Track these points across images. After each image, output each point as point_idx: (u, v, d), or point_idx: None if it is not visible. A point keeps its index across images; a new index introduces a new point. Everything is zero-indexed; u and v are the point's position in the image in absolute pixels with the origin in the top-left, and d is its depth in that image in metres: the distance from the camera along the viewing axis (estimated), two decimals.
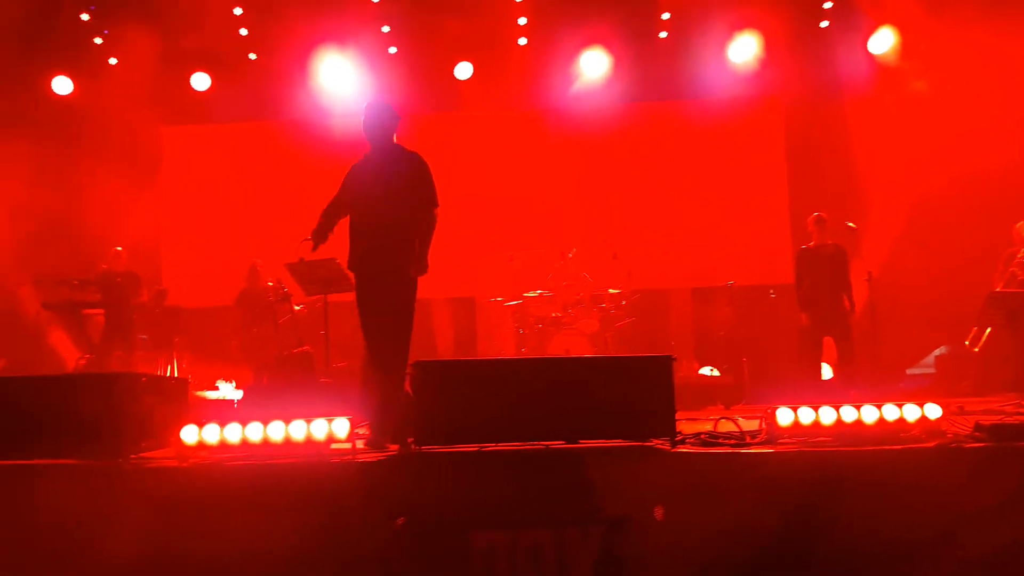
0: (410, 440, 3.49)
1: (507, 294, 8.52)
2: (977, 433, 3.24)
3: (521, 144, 10.09)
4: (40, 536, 3.07)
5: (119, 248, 8.10)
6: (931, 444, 3.14)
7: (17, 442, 3.36)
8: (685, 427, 3.57)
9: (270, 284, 7.24)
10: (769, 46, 9.31)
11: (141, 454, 3.43)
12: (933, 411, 3.29)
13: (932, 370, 8.14)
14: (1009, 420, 3.44)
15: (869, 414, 3.27)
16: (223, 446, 3.24)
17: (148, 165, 9.91)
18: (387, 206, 4.47)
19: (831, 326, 6.93)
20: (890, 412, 3.28)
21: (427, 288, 9.92)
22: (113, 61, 9.43)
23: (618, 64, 9.65)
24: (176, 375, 7.78)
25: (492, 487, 3.06)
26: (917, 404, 3.31)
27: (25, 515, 3.10)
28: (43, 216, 8.87)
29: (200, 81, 9.61)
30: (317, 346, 6.80)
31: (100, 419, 3.38)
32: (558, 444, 3.23)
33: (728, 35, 9.35)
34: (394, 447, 3.68)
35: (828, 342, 7.12)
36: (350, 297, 5.18)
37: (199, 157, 10.23)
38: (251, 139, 10.18)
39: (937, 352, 8.20)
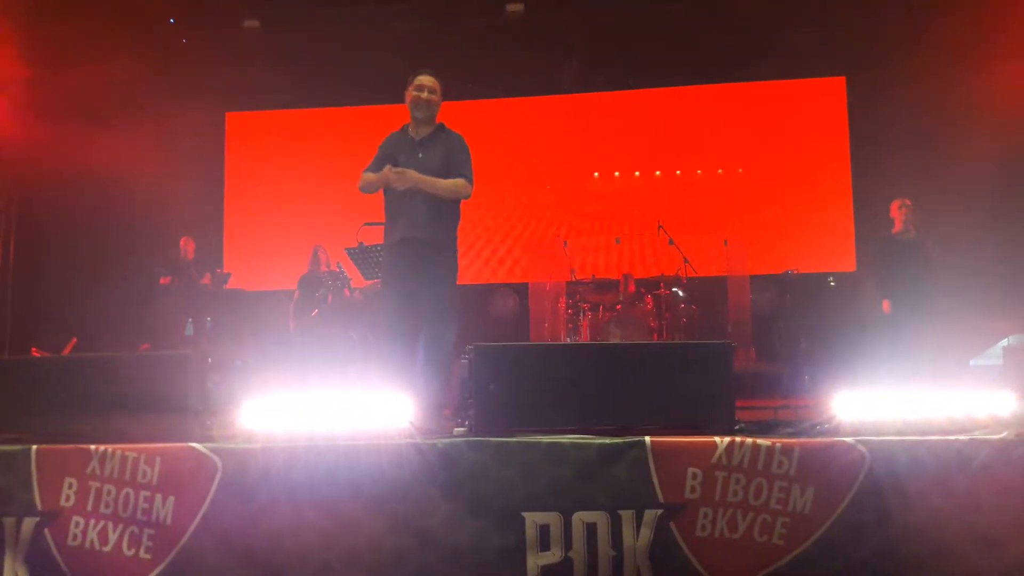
0: (464, 423, 3.51)
1: (560, 279, 8.53)
2: None
3: (575, 128, 10.08)
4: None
5: (189, 237, 8.38)
6: (1001, 434, 3.05)
7: (83, 421, 3.41)
8: (744, 415, 3.52)
9: (333, 269, 7.37)
10: (832, 26, 9.12)
11: (207, 432, 3.50)
12: (1005, 401, 3.20)
13: (999, 362, 7.91)
14: None
15: (935, 402, 3.20)
16: (286, 426, 3.29)
17: (212, 149, 10.13)
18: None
19: (910, 315, 6.78)
20: (958, 401, 3.20)
21: (479, 273, 10.05)
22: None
23: (675, 44, 9.57)
24: (238, 356, 7.96)
25: (547, 470, 3.06)
26: (987, 394, 3.22)
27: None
28: (110, 200, 9.12)
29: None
30: (373, 330, 6.91)
31: (166, 398, 3.45)
32: (615, 429, 3.21)
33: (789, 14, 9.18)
34: (447, 430, 3.71)
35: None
36: None
37: (262, 142, 10.44)
38: (314, 125, 10.36)
39: (1004, 342, 7.96)
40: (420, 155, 4.55)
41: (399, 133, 4.73)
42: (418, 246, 4.48)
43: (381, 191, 4.67)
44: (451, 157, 4.58)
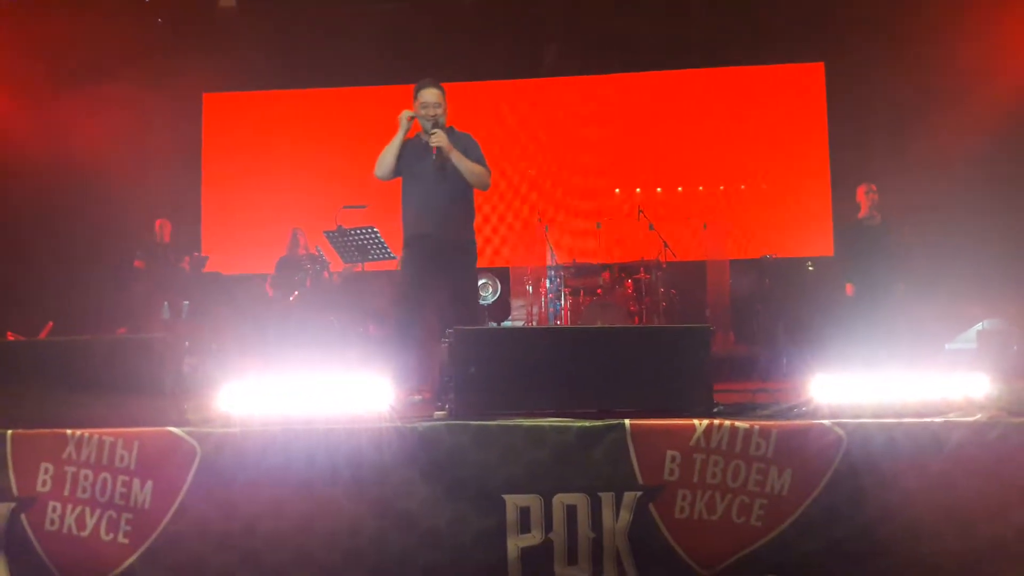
0: (444, 406, 3.51)
1: (540, 263, 8.54)
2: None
3: (554, 112, 10.06)
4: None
5: (165, 220, 8.31)
6: (975, 417, 3.09)
7: (60, 405, 3.37)
8: (723, 398, 3.54)
9: (312, 252, 7.33)
10: (811, 11, 9.14)
11: (184, 416, 3.47)
12: (978, 384, 3.24)
13: (974, 346, 8.00)
14: None
15: (911, 385, 3.23)
16: (264, 410, 3.28)
17: (189, 130, 10.04)
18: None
19: (875, 298, 6.86)
20: (933, 384, 3.24)
21: None
22: None
23: (655, 29, 9.56)
24: (215, 340, 7.91)
25: (527, 453, 3.07)
26: (962, 377, 3.25)
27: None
28: (86, 182, 9.00)
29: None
30: (352, 313, 6.89)
31: (144, 381, 3.42)
32: (595, 412, 3.23)
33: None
34: (427, 414, 3.71)
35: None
36: (387, 265, 5.16)
37: (240, 124, 10.34)
38: (293, 106, 10.27)
39: (979, 327, 8.05)
40: (434, 158, 4.61)
41: (412, 140, 4.78)
42: (439, 243, 4.60)
43: (400, 186, 4.73)
44: (466, 155, 4.67)
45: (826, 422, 3.06)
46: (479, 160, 4.71)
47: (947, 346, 8.14)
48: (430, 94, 4.65)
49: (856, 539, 2.97)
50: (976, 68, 8.57)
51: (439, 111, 4.64)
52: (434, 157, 4.57)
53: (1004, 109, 8.32)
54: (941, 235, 8.44)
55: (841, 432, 3.03)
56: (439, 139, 4.52)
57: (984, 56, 8.55)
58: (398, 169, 4.73)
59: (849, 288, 6.93)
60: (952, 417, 3.09)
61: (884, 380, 3.26)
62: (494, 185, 4.85)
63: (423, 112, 4.63)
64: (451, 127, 4.75)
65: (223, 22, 9.65)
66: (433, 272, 4.61)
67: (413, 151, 4.71)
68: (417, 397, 4.55)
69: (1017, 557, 2.91)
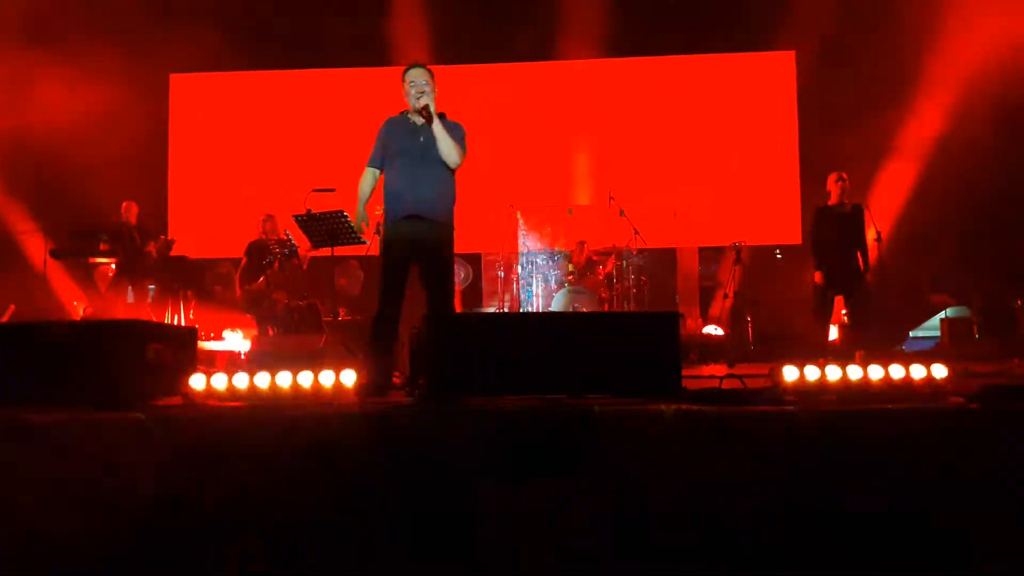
0: (415, 392, 3.50)
1: (511, 250, 8.54)
2: (983, 395, 3.23)
3: (525, 98, 10.03)
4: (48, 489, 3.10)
5: (132, 201, 8.21)
6: (936, 404, 3.14)
7: (23, 390, 3.34)
8: (690, 384, 3.57)
9: (282, 237, 7.26)
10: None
11: (148, 402, 3.44)
12: (939, 371, 3.29)
13: (937, 332, 8.16)
14: (1016, 383, 3.44)
15: (875, 373, 3.27)
16: (232, 395, 3.25)
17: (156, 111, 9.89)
18: None
19: (843, 286, 6.93)
20: (896, 371, 3.28)
21: None
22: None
23: (626, 17, 9.55)
24: (183, 324, 7.83)
25: (500, 440, 3.07)
26: (923, 364, 3.30)
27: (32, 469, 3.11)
28: (51, 163, 8.85)
29: None
30: (322, 298, 6.86)
31: (107, 366, 3.38)
32: (563, 398, 3.24)
33: None
34: (398, 399, 3.70)
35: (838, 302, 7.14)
36: (357, 250, 5.12)
37: (208, 106, 10.20)
38: (261, 88, 10.13)
39: (942, 315, 8.20)
40: (421, 139, 4.63)
41: (399, 118, 4.79)
42: (423, 224, 4.59)
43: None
44: (450, 135, 4.68)
45: (791, 408, 3.10)
46: (460, 141, 4.72)
47: (911, 333, 8.30)
48: (415, 73, 4.69)
49: (819, 524, 3.01)
50: (946, 57, 8.67)
51: (427, 88, 4.66)
52: (419, 126, 4.62)
53: (974, 97, 8.43)
54: (909, 224, 8.56)
55: (805, 418, 3.06)
56: (427, 98, 4.57)
57: (954, 43, 8.65)
58: (384, 156, 4.74)
59: (818, 276, 7.00)
60: (914, 404, 3.14)
61: (849, 366, 3.29)
62: (465, 170, 4.82)
63: (413, 90, 4.66)
64: (442, 113, 4.73)
65: (192, 1, 9.48)
66: (416, 254, 4.60)
67: (400, 129, 4.71)
68: (391, 382, 4.54)
69: (979, 541, 2.96)
